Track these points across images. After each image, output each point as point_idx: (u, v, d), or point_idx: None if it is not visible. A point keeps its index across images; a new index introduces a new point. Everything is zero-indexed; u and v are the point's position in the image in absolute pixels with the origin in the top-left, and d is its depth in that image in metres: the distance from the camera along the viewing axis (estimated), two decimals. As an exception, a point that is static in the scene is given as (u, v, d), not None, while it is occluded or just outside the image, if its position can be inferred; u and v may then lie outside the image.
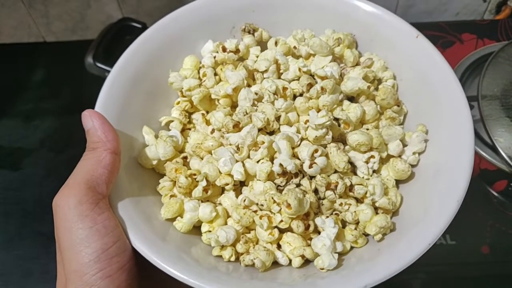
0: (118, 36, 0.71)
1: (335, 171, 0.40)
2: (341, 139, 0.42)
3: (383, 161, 0.43)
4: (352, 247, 0.40)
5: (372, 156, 0.41)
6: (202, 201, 0.41)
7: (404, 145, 0.43)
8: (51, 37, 0.94)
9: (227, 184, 0.40)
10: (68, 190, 0.35)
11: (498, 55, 0.75)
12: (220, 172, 0.40)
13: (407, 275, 0.64)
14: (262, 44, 0.49)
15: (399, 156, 0.42)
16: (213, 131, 0.44)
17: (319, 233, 0.39)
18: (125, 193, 0.39)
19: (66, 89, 0.87)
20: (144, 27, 0.71)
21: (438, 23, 0.89)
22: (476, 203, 0.70)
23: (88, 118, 0.38)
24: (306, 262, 0.39)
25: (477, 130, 0.74)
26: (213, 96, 0.45)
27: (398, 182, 0.42)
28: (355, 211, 0.39)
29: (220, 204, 0.41)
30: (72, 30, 0.93)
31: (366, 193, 0.39)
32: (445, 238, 0.67)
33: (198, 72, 0.47)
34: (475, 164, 0.73)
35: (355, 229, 0.40)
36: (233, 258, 0.39)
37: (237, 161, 0.40)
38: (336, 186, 0.38)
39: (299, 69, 0.44)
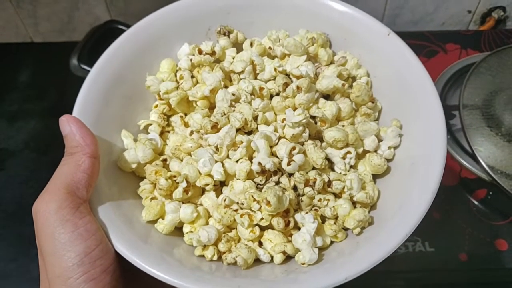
0: (104, 39, 0.71)
1: (313, 168, 0.41)
2: (318, 137, 0.43)
3: (359, 156, 0.44)
4: (332, 242, 0.41)
5: (349, 152, 0.42)
6: (183, 202, 0.41)
7: (380, 140, 0.44)
8: (38, 37, 0.94)
9: (207, 185, 0.40)
10: (48, 195, 0.35)
11: (480, 65, 0.77)
12: (200, 173, 0.41)
13: (386, 281, 0.66)
14: (238, 46, 0.49)
15: (375, 151, 0.43)
16: (192, 132, 0.44)
17: (299, 229, 0.40)
18: (105, 197, 0.39)
19: (52, 90, 0.86)
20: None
21: (423, 32, 0.91)
22: (455, 211, 0.71)
23: (65, 123, 0.38)
24: (288, 258, 0.40)
25: (458, 139, 0.76)
26: (190, 98, 0.45)
27: (375, 177, 0.43)
28: (333, 206, 0.40)
29: (201, 204, 0.42)
30: (60, 31, 0.93)
31: (343, 188, 0.40)
32: (424, 245, 0.68)
33: (175, 75, 0.47)
34: (456, 172, 0.74)
35: (335, 223, 0.40)
36: (215, 257, 0.39)
37: (216, 161, 0.41)
38: (314, 183, 0.39)
39: (275, 69, 0.45)
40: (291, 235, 0.40)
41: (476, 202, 0.72)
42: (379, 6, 0.90)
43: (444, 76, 0.84)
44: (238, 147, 0.40)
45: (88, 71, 0.66)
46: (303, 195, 0.40)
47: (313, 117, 0.42)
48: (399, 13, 0.92)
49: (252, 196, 0.38)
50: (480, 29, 0.95)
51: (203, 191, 0.42)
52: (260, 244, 0.40)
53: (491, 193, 0.73)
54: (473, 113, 0.74)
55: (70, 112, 0.41)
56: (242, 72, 0.46)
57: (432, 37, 0.90)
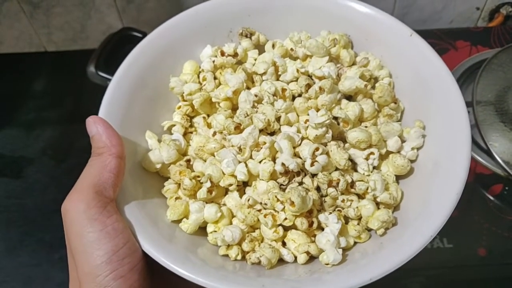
0: (119, 46, 0.72)
1: (336, 169, 0.41)
2: (340, 137, 0.43)
3: (382, 157, 0.44)
4: (355, 243, 0.41)
5: (372, 153, 0.42)
6: (206, 202, 0.42)
7: (403, 141, 0.44)
8: (52, 47, 0.95)
9: (230, 185, 0.41)
10: (76, 195, 0.36)
11: (492, 61, 0.77)
12: (223, 173, 0.41)
13: (406, 279, 0.66)
14: (260, 47, 0.50)
15: (398, 152, 0.43)
16: (214, 133, 0.45)
17: (322, 229, 0.40)
18: (130, 197, 0.40)
19: (67, 98, 0.88)
20: (145, 37, 0.72)
21: (432, 30, 0.91)
22: (472, 207, 0.71)
23: (92, 124, 0.39)
24: (311, 258, 0.40)
25: (472, 135, 0.74)
26: (213, 100, 0.46)
27: (398, 178, 0.43)
28: (357, 207, 0.40)
29: (224, 204, 0.42)
30: (73, 40, 0.94)
31: (367, 188, 0.40)
32: (442, 241, 0.68)
33: (198, 77, 0.48)
34: (471, 168, 0.73)
35: (358, 224, 0.40)
36: (239, 257, 0.39)
37: (239, 162, 0.41)
38: (337, 183, 0.39)
39: (297, 70, 0.45)
40: (314, 235, 0.40)
41: (492, 198, 0.72)
42: (388, 5, 0.90)
43: (455, 73, 0.84)
44: (261, 148, 0.41)
45: (105, 77, 0.68)
46: (326, 195, 0.40)
47: (335, 118, 0.43)
48: (407, 12, 0.91)
49: (276, 197, 0.38)
50: (489, 26, 0.94)
51: (226, 191, 0.43)
52: (284, 244, 0.40)
53: (507, 188, 0.73)
54: (487, 109, 0.73)
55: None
56: (265, 73, 0.46)
57: (442, 35, 0.90)
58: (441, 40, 0.89)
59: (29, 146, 0.82)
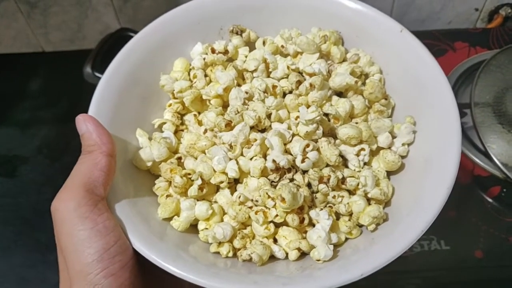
0: (116, 46, 0.71)
1: (327, 165, 0.41)
2: (331, 134, 0.43)
3: (373, 153, 0.44)
4: (347, 238, 0.41)
5: (362, 149, 0.42)
6: (198, 200, 0.42)
7: (393, 137, 0.44)
8: (49, 47, 0.95)
9: (221, 182, 0.41)
10: (66, 193, 0.36)
11: (490, 63, 0.77)
12: (214, 171, 0.41)
13: (403, 280, 0.66)
14: (250, 45, 0.50)
15: (389, 147, 0.43)
16: (205, 131, 0.44)
17: (314, 226, 0.40)
18: (121, 195, 0.40)
19: (63, 98, 0.88)
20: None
21: (431, 31, 0.91)
22: (470, 209, 0.72)
23: (82, 122, 0.39)
24: (303, 255, 0.40)
25: (470, 136, 0.76)
26: (204, 97, 0.46)
27: (389, 174, 0.43)
28: (348, 203, 0.40)
29: (215, 202, 0.42)
30: (70, 40, 0.94)
31: (358, 184, 0.40)
32: (440, 243, 0.68)
33: (189, 74, 0.48)
34: (469, 170, 0.74)
35: (349, 220, 0.40)
36: (230, 254, 0.39)
37: (230, 159, 0.41)
38: (328, 179, 0.39)
39: (288, 67, 0.45)
40: (305, 231, 0.40)
41: (490, 200, 0.72)
42: (386, 4, 0.90)
43: (454, 74, 0.84)
44: (252, 145, 0.41)
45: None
46: (317, 192, 0.40)
47: (326, 115, 0.43)
48: (406, 12, 0.91)
49: (267, 193, 0.39)
50: (488, 27, 0.94)
51: (217, 188, 0.43)
52: (275, 241, 0.40)
53: (505, 190, 0.73)
54: (485, 111, 0.74)
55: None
56: (255, 70, 0.46)
57: (440, 35, 0.90)
58: (439, 41, 0.89)
59: (24, 145, 0.82)
